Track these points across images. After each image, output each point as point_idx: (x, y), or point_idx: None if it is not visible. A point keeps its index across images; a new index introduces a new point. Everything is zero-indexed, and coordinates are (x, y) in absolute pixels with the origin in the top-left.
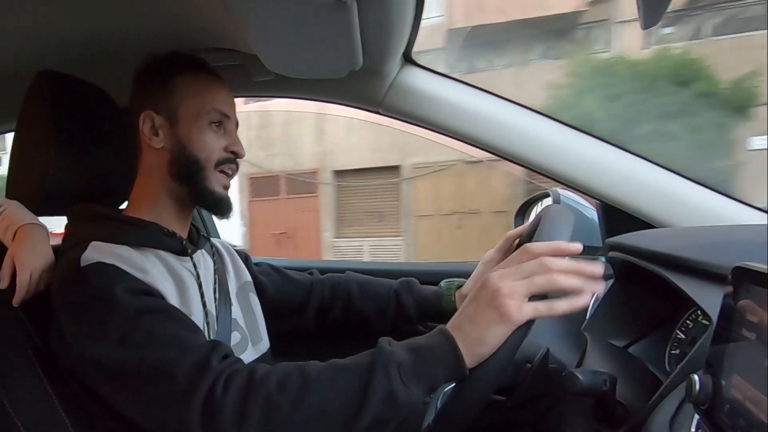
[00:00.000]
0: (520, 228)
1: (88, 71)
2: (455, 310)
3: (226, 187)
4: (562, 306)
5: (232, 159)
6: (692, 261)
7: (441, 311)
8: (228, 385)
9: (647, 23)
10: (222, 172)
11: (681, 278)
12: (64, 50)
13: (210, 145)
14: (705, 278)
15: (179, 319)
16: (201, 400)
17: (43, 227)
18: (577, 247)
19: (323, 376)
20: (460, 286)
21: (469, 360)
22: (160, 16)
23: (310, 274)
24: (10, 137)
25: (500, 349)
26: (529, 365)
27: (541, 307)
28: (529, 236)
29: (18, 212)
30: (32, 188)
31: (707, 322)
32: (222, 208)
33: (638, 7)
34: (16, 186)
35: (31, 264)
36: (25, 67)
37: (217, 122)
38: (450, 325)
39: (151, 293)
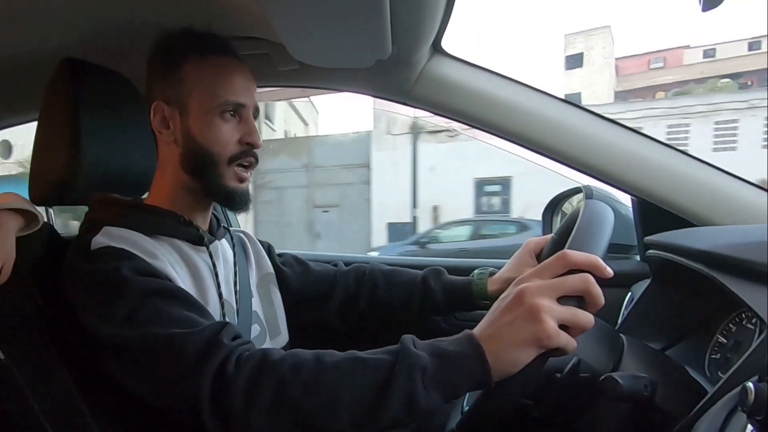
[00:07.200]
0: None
1: (112, 60)
2: (486, 297)
3: (243, 180)
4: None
5: (248, 151)
6: (743, 261)
7: (471, 299)
8: (240, 362)
9: (708, 5)
10: (239, 166)
11: (730, 279)
12: (88, 38)
13: (223, 139)
14: (757, 279)
15: (187, 301)
16: (211, 376)
17: (17, 216)
18: (611, 273)
19: (341, 366)
20: (492, 274)
21: (495, 375)
22: (188, 4)
23: (335, 265)
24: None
25: (527, 367)
26: (558, 375)
27: (572, 342)
28: (566, 233)
29: (5, 197)
30: (55, 177)
31: (752, 326)
32: (236, 203)
33: None
34: (38, 175)
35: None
36: (48, 56)
37: (231, 111)
38: (479, 333)
39: (159, 276)
